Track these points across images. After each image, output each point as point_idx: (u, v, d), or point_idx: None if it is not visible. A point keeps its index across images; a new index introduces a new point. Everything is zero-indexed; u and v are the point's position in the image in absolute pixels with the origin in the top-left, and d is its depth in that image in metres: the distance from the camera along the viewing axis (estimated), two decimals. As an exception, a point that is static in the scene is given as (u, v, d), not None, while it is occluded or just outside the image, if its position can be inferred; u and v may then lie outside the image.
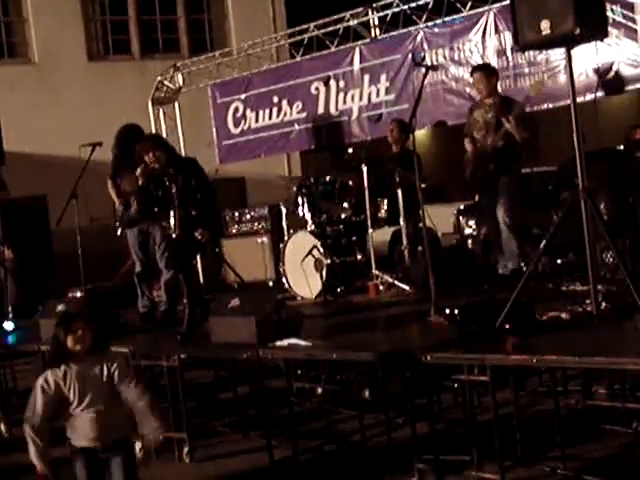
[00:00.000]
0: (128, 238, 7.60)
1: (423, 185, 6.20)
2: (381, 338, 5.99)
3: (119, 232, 7.62)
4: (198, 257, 8.36)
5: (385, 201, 8.25)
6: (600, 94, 7.77)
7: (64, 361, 4.19)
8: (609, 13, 6.92)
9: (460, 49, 8.78)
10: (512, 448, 4.93)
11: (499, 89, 7.64)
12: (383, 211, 8.28)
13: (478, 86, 7.46)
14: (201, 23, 17.27)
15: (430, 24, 9.02)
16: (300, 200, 8.38)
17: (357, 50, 9.76)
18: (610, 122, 7.94)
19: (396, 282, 7.81)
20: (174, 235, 6.49)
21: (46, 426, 4.18)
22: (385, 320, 6.60)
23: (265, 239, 10.16)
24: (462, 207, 9.73)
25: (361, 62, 9.73)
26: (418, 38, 9.09)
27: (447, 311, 5.35)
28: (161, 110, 12.08)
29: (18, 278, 9.37)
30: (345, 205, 8.29)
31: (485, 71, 7.48)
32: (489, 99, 7.36)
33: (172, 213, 6.46)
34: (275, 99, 10.66)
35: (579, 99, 5.20)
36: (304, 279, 8.04)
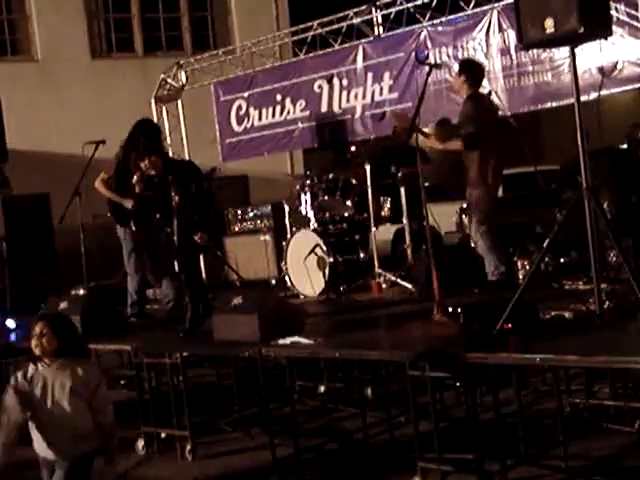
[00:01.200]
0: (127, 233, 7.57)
1: (426, 184, 6.20)
2: (384, 336, 5.99)
3: (133, 227, 7.54)
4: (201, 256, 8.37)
5: (388, 199, 8.25)
6: (604, 92, 7.75)
7: (35, 361, 4.14)
8: (613, 11, 6.90)
9: (464, 47, 8.76)
10: (514, 447, 4.92)
11: (483, 89, 7.43)
12: (386, 209, 8.28)
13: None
14: (204, 21, 17.28)
15: (434, 22, 9.01)
16: (303, 198, 8.38)
17: (360, 48, 9.75)
18: (613, 121, 7.90)
19: (399, 280, 7.81)
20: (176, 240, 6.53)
21: (11, 424, 4.11)
22: (388, 318, 6.60)
23: (268, 237, 10.16)
24: (465, 206, 9.72)
25: (364, 60, 9.71)
26: (422, 36, 9.08)
27: (450, 310, 5.35)
28: (164, 108, 12.07)
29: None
30: (348, 203, 8.29)
31: (458, 70, 7.13)
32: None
33: (174, 220, 6.50)
34: (278, 97, 10.66)
35: (583, 98, 5.18)
36: (307, 277, 8.04)
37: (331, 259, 7.88)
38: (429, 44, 9.02)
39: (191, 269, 6.71)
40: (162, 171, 6.53)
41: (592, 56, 7.57)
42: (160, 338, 6.72)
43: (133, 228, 7.48)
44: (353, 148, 8.88)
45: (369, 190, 8.02)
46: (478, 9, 8.61)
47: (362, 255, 8.19)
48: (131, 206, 7.37)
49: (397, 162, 7.89)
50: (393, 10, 9.36)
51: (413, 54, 9.07)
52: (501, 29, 8.40)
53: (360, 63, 9.76)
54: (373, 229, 8.09)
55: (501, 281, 6.65)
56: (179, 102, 12.08)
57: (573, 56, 5.04)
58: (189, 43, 16.96)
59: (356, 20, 9.75)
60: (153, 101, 12.01)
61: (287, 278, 8.36)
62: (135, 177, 6.97)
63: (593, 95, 7.19)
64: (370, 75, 9.66)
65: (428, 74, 6.47)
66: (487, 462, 4.57)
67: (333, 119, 10.09)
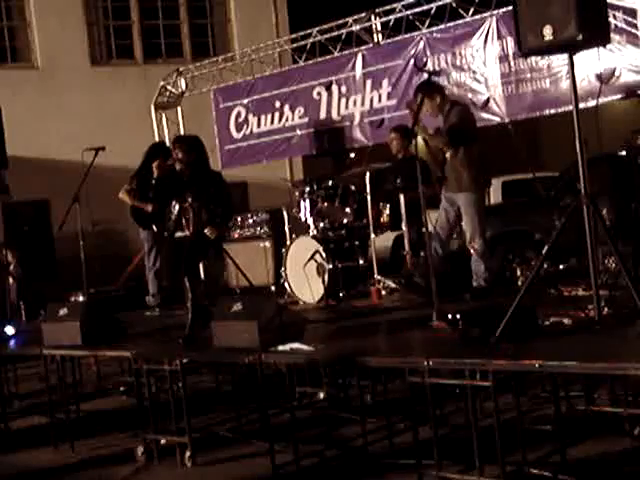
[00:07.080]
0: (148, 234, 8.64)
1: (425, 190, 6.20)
2: (383, 343, 5.99)
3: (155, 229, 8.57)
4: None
5: (387, 206, 8.25)
6: (602, 100, 7.78)
7: None
8: (611, 19, 6.93)
9: (462, 55, 8.79)
10: (514, 453, 4.92)
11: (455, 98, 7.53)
12: (385, 216, 8.28)
13: (427, 110, 6.93)
14: (204, 28, 17.32)
15: (433, 29, 9.04)
16: (302, 205, 8.39)
17: (359, 55, 9.78)
18: (612, 128, 7.94)
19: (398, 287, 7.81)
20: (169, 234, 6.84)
21: None
22: (387, 325, 6.60)
23: (267, 244, 10.17)
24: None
25: (363, 67, 9.75)
26: (420, 43, 9.12)
27: (449, 316, 5.35)
28: (164, 115, 12.11)
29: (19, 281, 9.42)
30: (347, 210, 8.30)
31: (427, 95, 6.75)
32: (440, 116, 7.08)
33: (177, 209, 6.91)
34: (277, 104, 10.68)
35: (581, 105, 5.20)
36: (306, 284, 8.04)
37: (330, 265, 7.89)
38: (428, 51, 9.06)
39: (195, 271, 6.78)
40: (186, 168, 6.86)
41: (590, 63, 7.60)
42: (160, 345, 6.72)
43: (155, 229, 8.49)
44: (352, 155, 8.90)
45: (368, 197, 8.03)
46: (477, 16, 8.64)
47: (361, 262, 8.19)
48: (151, 209, 8.24)
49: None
50: (392, 17, 9.41)
51: (412, 61, 9.12)
52: (500, 36, 8.44)
53: (359, 70, 9.79)
54: (372, 236, 8.09)
55: (485, 287, 6.72)
56: (179, 109, 12.12)
57: (572, 63, 5.06)
58: (189, 50, 17.00)
59: (355, 27, 9.79)
60: (153, 108, 12.04)
61: (286, 284, 8.36)
62: (155, 163, 8.02)
63: (591, 102, 7.22)
64: (369, 82, 9.69)
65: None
66: (486, 468, 4.57)
67: (332, 126, 10.12)
